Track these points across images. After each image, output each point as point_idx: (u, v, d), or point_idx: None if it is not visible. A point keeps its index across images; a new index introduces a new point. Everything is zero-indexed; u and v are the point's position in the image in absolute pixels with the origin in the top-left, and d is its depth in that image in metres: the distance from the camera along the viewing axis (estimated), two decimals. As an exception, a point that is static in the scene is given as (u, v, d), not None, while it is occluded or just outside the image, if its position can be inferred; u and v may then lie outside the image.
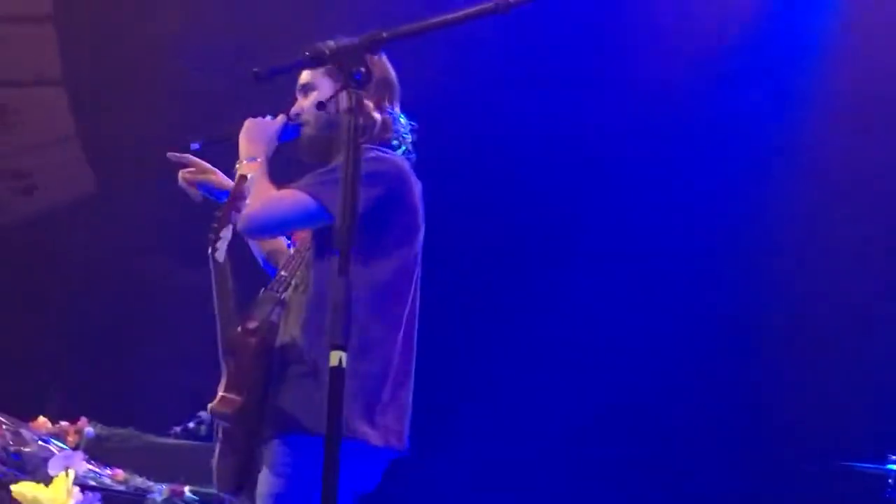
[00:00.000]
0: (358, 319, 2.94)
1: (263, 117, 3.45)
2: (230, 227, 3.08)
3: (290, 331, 3.25)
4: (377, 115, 3.42)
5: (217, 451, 3.25)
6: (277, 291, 3.32)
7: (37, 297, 6.70)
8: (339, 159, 3.13)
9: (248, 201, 3.23)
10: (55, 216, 6.78)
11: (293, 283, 3.33)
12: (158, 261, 6.64)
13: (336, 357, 2.38)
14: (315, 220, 3.22)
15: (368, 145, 3.31)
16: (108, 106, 6.45)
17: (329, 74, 3.43)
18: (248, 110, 3.43)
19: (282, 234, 3.50)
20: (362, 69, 2.51)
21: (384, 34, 2.56)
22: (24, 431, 3.68)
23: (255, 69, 2.51)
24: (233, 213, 3.08)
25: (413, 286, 3.38)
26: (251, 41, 6.07)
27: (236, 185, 3.19)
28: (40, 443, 3.62)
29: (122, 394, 6.27)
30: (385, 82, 3.49)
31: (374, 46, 2.57)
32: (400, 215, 3.35)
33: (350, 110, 2.50)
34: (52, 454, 3.32)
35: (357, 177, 2.45)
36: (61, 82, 6.68)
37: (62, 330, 6.70)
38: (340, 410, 2.40)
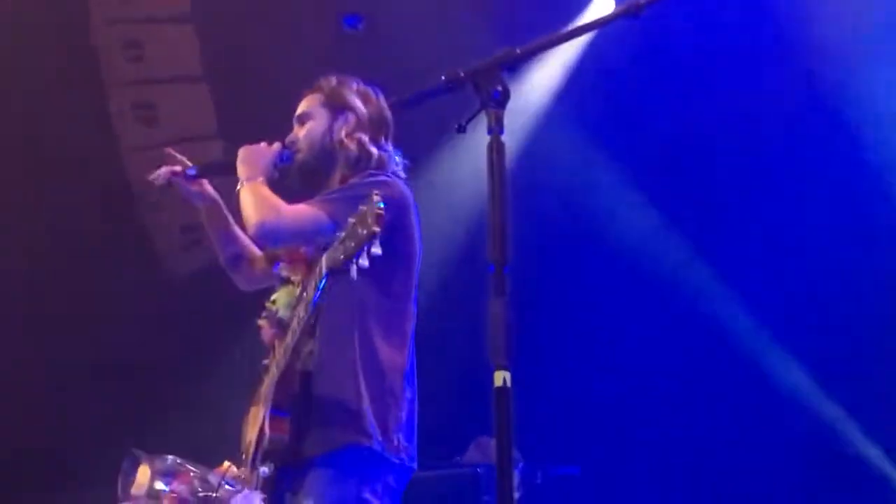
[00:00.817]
0: (372, 342, 3.33)
1: (258, 144, 3.57)
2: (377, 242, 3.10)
3: (319, 357, 3.36)
4: (373, 150, 3.54)
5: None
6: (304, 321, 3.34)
7: (210, 345, 6.83)
8: (335, 182, 3.42)
9: (251, 210, 3.37)
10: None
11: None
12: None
13: (500, 377, 2.37)
14: (327, 234, 3.27)
15: (376, 171, 3.47)
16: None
17: (326, 105, 3.61)
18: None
19: (292, 244, 3.54)
20: (499, 88, 2.50)
21: (517, 50, 2.54)
22: (210, 477, 3.76)
23: (392, 98, 2.52)
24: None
25: (415, 310, 3.50)
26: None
27: None
28: (227, 487, 3.68)
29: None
30: (380, 120, 3.62)
31: (509, 64, 2.55)
32: (403, 242, 3.44)
33: (491, 129, 2.49)
34: (236, 496, 3.39)
35: (505, 194, 2.44)
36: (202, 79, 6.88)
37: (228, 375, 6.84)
38: (510, 431, 2.39)
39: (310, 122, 3.63)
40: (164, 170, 3.77)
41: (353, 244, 2.90)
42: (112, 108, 6.88)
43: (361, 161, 3.54)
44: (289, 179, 3.64)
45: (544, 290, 6.29)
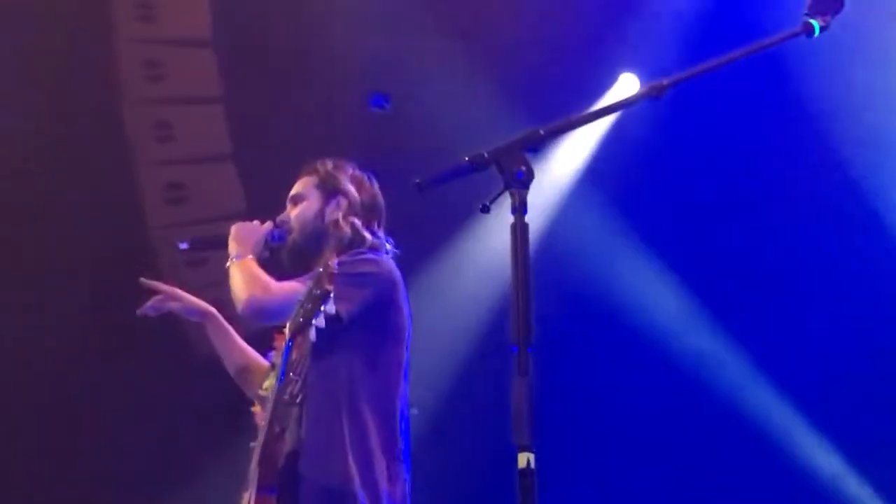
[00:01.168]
0: (362, 421, 3.35)
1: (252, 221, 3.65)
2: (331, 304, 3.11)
3: (305, 431, 3.36)
4: (367, 235, 3.60)
5: None
6: (292, 394, 3.30)
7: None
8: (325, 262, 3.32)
9: (239, 287, 3.41)
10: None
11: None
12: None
13: (524, 458, 2.35)
14: None
15: (362, 249, 3.52)
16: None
17: (319, 188, 3.67)
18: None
19: (279, 321, 3.48)
20: (523, 168, 2.51)
21: (541, 131, 2.56)
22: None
23: (416, 180, 2.53)
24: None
25: (406, 386, 3.50)
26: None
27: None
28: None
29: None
30: (373, 206, 3.70)
31: (533, 144, 2.56)
32: (392, 316, 3.46)
33: (515, 210, 2.49)
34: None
35: (528, 275, 2.44)
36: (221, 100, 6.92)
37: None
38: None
39: (302, 203, 3.68)
40: (150, 304, 3.78)
41: (310, 306, 2.97)
42: (128, 126, 6.91)
43: (354, 244, 3.58)
44: (280, 257, 3.69)
45: (569, 369, 6.25)
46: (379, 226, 3.68)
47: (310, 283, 3.00)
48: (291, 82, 6.75)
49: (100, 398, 6.61)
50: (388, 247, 3.65)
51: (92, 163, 6.63)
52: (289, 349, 3.13)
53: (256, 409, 3.61)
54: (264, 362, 3.79)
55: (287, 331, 3.10)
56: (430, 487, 5.50)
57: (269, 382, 3.53)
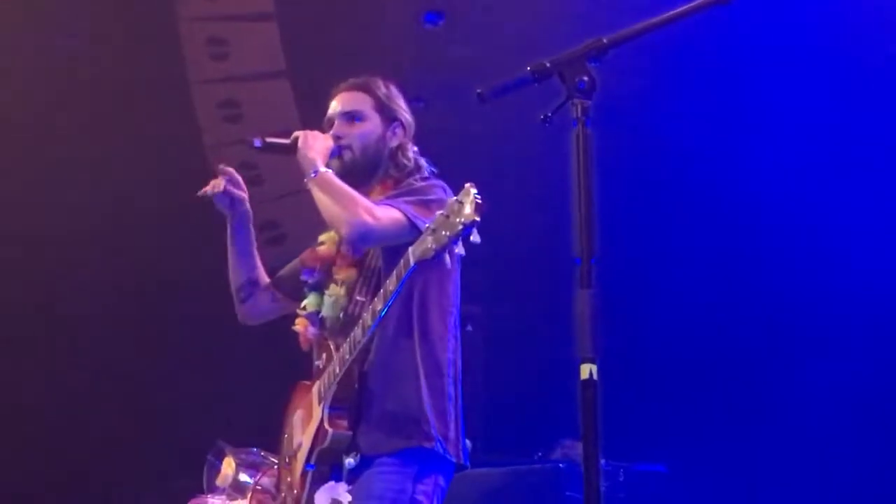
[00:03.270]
0: (431, 342, 3.38)
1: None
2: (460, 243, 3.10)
3: (379, 353, 3.39)
4: (422, 161, 3.63)
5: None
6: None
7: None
8: (376, 184, 3.54)
9: (337, 208, 3.35)
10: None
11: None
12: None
13: (587, 370, 2.35)
14: (404, 235, 3.29)
15: (425, 176, 3.55)
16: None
17: (379, 111, 3.64)
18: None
19: (376, 245, 3.51)
20: (585, 78, 2.47)
21: (604, 40, 2.52)
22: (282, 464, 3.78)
23: (478, 90, 2.50)
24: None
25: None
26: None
27: None
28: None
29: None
30: (412, 126, 3.69)
31: (596, 53, 2.52)
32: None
33: (577, 120, 2.46)
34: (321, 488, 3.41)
35: (591, 184, 2.41)
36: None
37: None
38: (597, 424, 2.37)
39: (364, 123, 3.63)
40: (218, 187, 3.73)
41: (446, 234, 2.89)
42: (196, 100, 6.96)
43: (408, 169, 3.60)
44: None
45: (632, 281, 6.19)
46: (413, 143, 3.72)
47: (443, 212, 2.92)
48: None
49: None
50: (423, 163, 3.68)
51: (151, 85, 6.66)
52: (409, 274, 3.08)
53: (301, 326, 3.62)
54: (266, 281, 3.84)
55: (412, 257, 3.01)
56: (490, 403, 5.57)
57: (321, 302, 3.56)
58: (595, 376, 2.35)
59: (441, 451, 3.35)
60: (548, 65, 2.49)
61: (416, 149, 3.67)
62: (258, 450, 4.10)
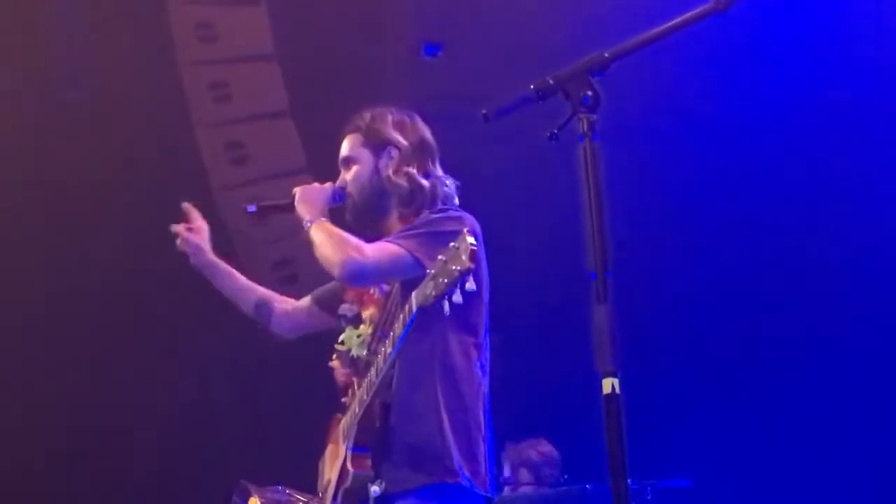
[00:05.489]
0: (453, 376, 3.32)
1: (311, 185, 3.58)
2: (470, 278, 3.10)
3: (399, 387, 3.34)
4: (424, 182, 3.49)
5: None
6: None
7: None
8: (394, 219, 3.47)
9: (329, 251, 3.33)
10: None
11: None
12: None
13: (609, 384, 2.34)
14: (407, 271, 3.28)
15: (443, 206, 3.45)
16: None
17: (366, 146, 3.56)
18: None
19: (374, 283, 3.53)
20: (590, 92, 2.48)
21: (606, 54, 2.52)
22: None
23: (483, 111, 2.50)
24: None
25: (488, 341, 3.47)
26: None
27: None
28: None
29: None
30: (423, 146, 3.56)
31: (599, 68, 2.52)
32: (479, 274, 3.28)
33: (583, 135, 2.46)
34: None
35: (600, 198, 2.41)
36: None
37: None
38: (622, 438, 2.35)
39: (355, 165, 3.58)
40: (180, 233, 3.78)
41: (444, 280, 2.90)
42: (203, 148, 7.00)
43: (415, 194, 3.50)
44: (344, 217, 3.62)
45: (649, 293, 6.18)
46: (433, 163, 3.56)
47: (443, 257, 2.92)
48: (346, 34, 6.74)
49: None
50: (448, 182, 3.55)
51: (154, 129, 6.70)
52: (413, 320, 3.10)
53: (335, 364, 3.61)
54: (285, 298, 3.85)
55: (414, 303, 3.03)
56: (514, 420, 5.55)
57: (352, 339, 3.55)
58: (618, 390, 2.34)
59: (468, 484, 3.31)
60: (551, 81, 2.50)
61: (433, 170, 3.56)
62: (283, 487, 4.08)
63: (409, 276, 3.27)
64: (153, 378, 6.80)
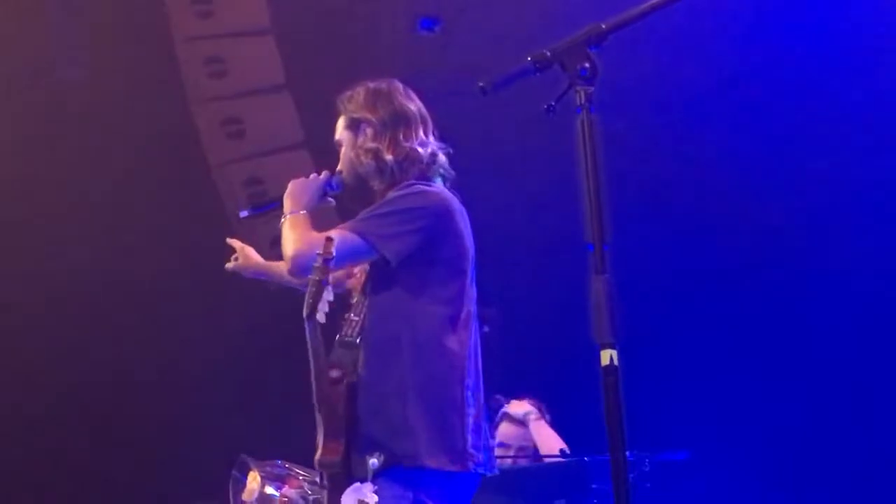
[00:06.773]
0: (424, 355, 3.29)
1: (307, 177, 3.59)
2: (329, 289, 3.18)
3: (364, 371, 3.34)
4: (388, 157, 3.45)
5: (327, 499, 3.32)
6: (351, 336, 3.37)
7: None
8: (380, 195, 3.43)
9: (286, 245, 3.38)
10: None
11: (364, 325, 3.38)
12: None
13: (607, 355, 2.35)
14: (362, 255, 3.35)
15: (412, 180, 3.43)
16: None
17: (347, 127, 3.57)
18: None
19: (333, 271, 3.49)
20: (587, 64, 2.47)
21: (603, 25, 2.51)
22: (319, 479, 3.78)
23: (480, 83, 2.50)
24: (328, 276, 3.18)
25: (473, 312, 3.43)
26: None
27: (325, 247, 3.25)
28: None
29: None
30: (397, 117, 3.51)
31: (596, 39, 2.51)
32: (448, 247, 3.37)
33: (581, 107, 2.45)
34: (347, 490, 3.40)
35: (598, 170, 2.41)
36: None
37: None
38: (621, 410, 2.36)
39: (342, 148, 3.61)
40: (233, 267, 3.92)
41: (312, 295, 3.12)
42: (200, 124, 6.99)
43: (383, 170, 3.47)
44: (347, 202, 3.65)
45: (647, 266, 6.17)
46: (412, 133, 3.49)
47: (311, 275, 3.12)
48: (343, 7, 6.71)
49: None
50: (430, 150, 3.49)
51: (152, 106, 6.69)
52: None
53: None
54: None
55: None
56: (512, 393, 5.55)
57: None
58: (616, 362, 2.34)
59: (434, 465, 3.27)
60: (548, 54, 2.48)
61: (406, 141, 3.49)
62: (282, 461, 4.09)
63: (362, 260, 3.36)
64: (155, 354, 6.82)
